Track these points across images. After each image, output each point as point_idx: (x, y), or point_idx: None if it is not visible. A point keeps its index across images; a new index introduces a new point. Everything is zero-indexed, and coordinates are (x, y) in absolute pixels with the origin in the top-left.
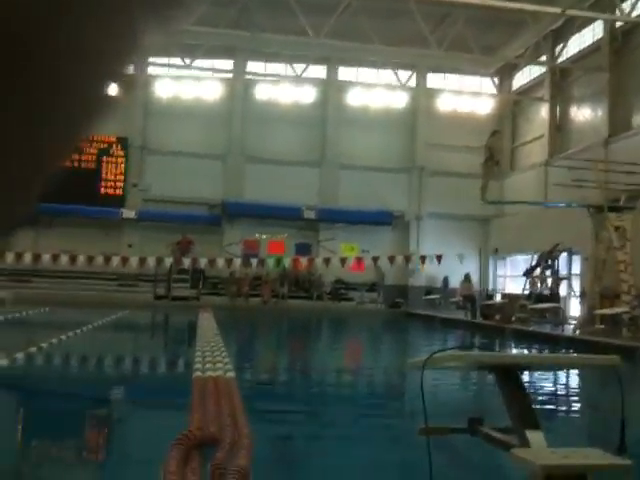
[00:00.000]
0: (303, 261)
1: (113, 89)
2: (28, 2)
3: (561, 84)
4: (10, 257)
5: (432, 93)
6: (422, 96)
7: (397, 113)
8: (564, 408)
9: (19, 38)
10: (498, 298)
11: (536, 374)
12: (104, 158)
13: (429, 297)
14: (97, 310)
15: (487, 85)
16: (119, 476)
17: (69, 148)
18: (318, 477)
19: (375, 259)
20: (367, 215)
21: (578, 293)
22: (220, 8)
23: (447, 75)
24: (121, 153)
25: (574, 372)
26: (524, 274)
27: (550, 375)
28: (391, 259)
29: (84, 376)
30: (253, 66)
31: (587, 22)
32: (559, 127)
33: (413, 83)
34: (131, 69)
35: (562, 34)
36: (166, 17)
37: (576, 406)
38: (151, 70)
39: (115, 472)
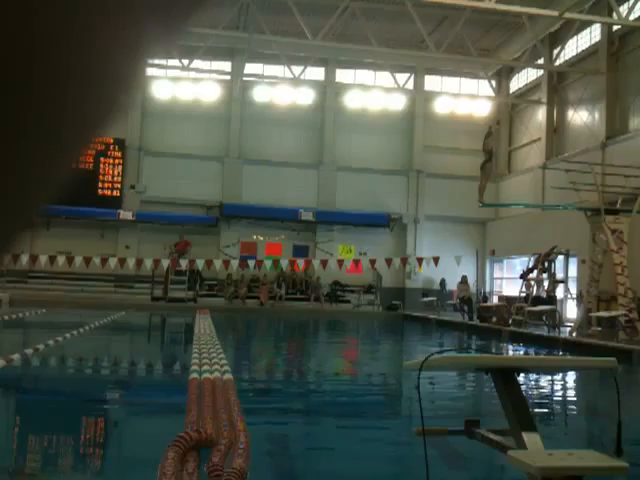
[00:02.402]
0: (300, 263)
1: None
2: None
3: (558, 87)
4: (7, 258)
5: (430, 96)
6: (420, 98)
7: (395, 115)
8: (561, 410)
9: (28, 38)
10: (495, 300)
11: (533, 376)
12: (101, 159)
13: (426, 299)
14: (94, 311)
15: (484, 88)
16: (115, 478)
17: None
18: (315, 478)
19: (372, 261)
20: (364, 217)
21: (575, 296)
22: (218, 9)
23: (445, 78)
24: (118, 154)
25: (571, 374)
26: (521, 276)
27: (547, 377)
28: (388, 261)
29: (80, 378)
30: (251, 68)
31: (584, 25)
32: (556, 130)
33: (411, 85)
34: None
35: (559, 37)
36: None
37: (573, 408)
38: (149, 71)
39: (111, 474)
